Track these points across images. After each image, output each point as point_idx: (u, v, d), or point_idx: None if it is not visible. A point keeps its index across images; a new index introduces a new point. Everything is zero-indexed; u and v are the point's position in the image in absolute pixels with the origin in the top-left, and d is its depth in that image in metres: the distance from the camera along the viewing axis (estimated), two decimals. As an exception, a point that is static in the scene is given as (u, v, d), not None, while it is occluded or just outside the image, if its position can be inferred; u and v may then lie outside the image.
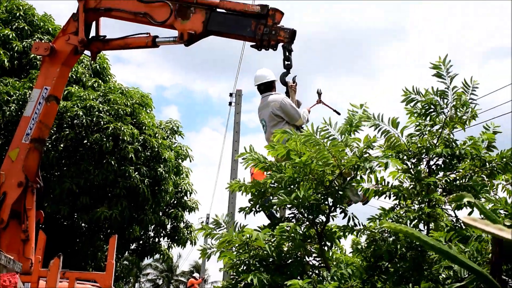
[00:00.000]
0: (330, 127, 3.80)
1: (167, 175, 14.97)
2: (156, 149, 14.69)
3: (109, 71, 16.53)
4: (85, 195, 13.76)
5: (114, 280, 6.81)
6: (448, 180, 3.67)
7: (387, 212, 3.70)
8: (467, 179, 3.66)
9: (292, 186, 3.75)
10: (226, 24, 5.99)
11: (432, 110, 3.73)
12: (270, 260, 3.75)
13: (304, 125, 6.03)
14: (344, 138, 3.73)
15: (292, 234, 3.67)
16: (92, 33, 6.70)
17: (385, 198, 3.75)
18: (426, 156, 3.72)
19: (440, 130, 3.73)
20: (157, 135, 15.13)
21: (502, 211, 3.27)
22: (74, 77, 14.62)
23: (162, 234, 16.58)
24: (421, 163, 3.74)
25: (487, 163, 3.64)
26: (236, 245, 3.81)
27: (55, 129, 13.58)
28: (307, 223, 3.95)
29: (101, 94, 14.68)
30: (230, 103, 19.71)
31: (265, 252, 3.70)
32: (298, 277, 3.56)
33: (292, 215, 4.13)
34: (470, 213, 3.25)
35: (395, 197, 3.69)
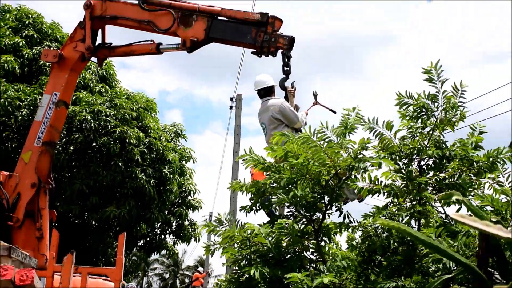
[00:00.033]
0: (327, 130, 3.83)
1: (171, 176, 15.00)
2: (161, 151, 14.72)
3: (115, 77, 16.55)
4: (94, 195, 13.80)
5: (124, 275, 6.85)
6: (438, 179, 3.70)
7: (381, 209, 3.73)
8: (455, 178, 3.69)
9: (290, 186, 3.78)
10: (227, 31, 6.00)
11: (423, 113, 3.76)
12: (270, 255, 3.78)
13: (303, 127, 6.05)
14: (340, 140, 3.76)
15: (290, 231, 3.70)
16: (99, 40, 6.71)
17: (378, 196, 3.78)
18: (417, 157, 3.75)
19: (430, 132, 3.76)
20: (161, 138, 15.15)
21: (488, 208, 3.30)
22: (82, 82, 14.64)
23: (167, 232, 16.60)
24: (413, 163, 3.76)
25: (474, 163, 3.67)
26: (238, 241, 3.83)
27: (65, 132, 13.60)
28: (305, 220, 3.98)
29: (108, 99, 14.70)
30: (230, 107, 19.74)
31: (265, 247, 3.73)
32: (297, 271, 3.59)
33: (291, 213, 4.16)
34: (458, 210, 3.27)
35: (388, 195, 3.72)
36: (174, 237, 16.87)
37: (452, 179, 3.68)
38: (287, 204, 3.94)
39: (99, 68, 14.91)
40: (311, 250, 3.99)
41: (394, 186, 3.70)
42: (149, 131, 14.77)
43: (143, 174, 14.14)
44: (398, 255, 3.43)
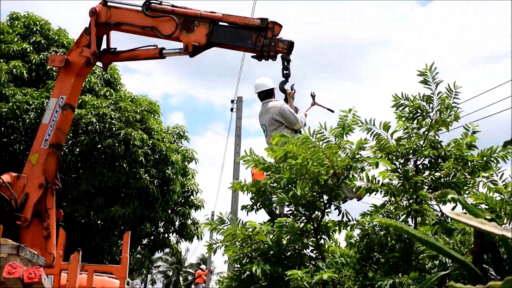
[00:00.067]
0: (325, 131, 3.82)
1: (174, 176, 14.99)
2: (164, 153, 14.71)
3: (120, 80, 16.54)
4: (100, 196, 13.79)
5: (129, 272, 6.83)
6: (434, 178, 3.69)
7: (379, 208, 3.72)
8: (450, 177, 3.68)
9: (290, 186, 3.77)
10: (228, 36, 5.99)
11: (419, 114, 3.75)
12: (271, 252, 3.76)
13: (302, 128, 6.05)
14: (338, 140, 3.75)
15: (290, 229, 3.68)
16: (104, 46, 6.71)
17: (375, 194, 3.77)
18: (413, 157, 3.74)
19: (426, 133, 3.75)
20: (164, 139, 15.15)
21: (483, 206, 3.28)
22: (88, 86, 14.63)
23: (171, 230, 16.58)
24: (409, 163, 3.75)
25: (469, 162, 3.65)
26: (240, 239, 3.82)
27: (71, 135, 13.59)
28: (304, 218, 3.97)
29: (112, 102, 14.69)
30: (231, 109, 19.71)
31: (266, 245, 3.72)
32: (297, 268, 3.58)
33: (291, 211, 4.14)
34: (453, 208, 3.26)
35: (385, 194, 3.71)
36: (177, 236, 16.84)
37: (447, 178, 3.67)
38: (287, 203, 3.93)
39: (104, 73, 14.93)
40: (311, 247, 3.97)
41: (391, 185, 3.68)
42: (153, 133, 14.76)
43: (147, 174, 14.13)
44: (396, 252, 3.42)
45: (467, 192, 3.66)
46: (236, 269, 4.15)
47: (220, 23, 6.04)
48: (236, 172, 17.51)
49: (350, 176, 3.79)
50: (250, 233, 3.74)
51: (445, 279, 2.93)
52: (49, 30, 15.39)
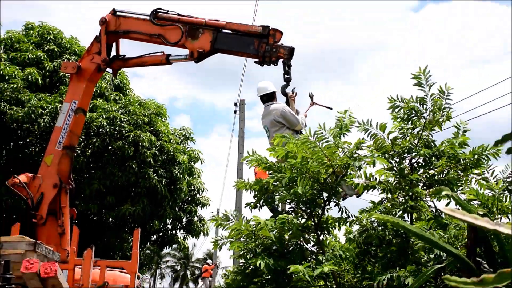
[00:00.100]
0: (324, 131, 3.82)
1: (181, 175, 15.00)
2: (172, 153, 14.73)
3: (128, 85, 16.57)
4: (111, 195, 13.81)
5: (139, 267, 6.84)
6: (428, 176, 3.68)
7: (376, 205, 3.71)
8: (444, 174, 3.67)
9: (291, 184, 3.76)
10: (232, 43, 5.99)
11: (413, 115, 3.75)
12: (274, 247, 3.76)
13: (303, 129, 6.04)
14: (336, 141, 3.75)
15: (292, 226, 3.68)
16: (113, 53, 6.72)
17: (372, 191, 3.77)
18: (408, 155, 3.73)
19: (420, 132, 3.74)
20: (172, 141, 15.16)
21: (475, 202, 3.27)
22: (98, 91, 14.67)
23: (178, 227, 16.59)
24: (404, 161, 3.74)
25: (461, 160, 3.65)
26: (244, 234, 3.81)
27: (83, 137, 13.62)
28: (305, 215, 3.96)
29: (122, 106, 14.72)
30: (235, 111, 19.69)
31: (269, 240, 3.71)
32: (299, 262, 3.57)
33: (292, 208, 4.14)
34: (447, 204, 3.25)
35: (382, 191, 3.70)
36: (184, 232, 16.85)
37: (441, 176, 3.66)
38: (288, 201, 3.92)
39: (113, 78, 14.96)
40: (312, 242, 3.97)
41: (387, 182, 3.68)
42: (160, 134, 14.78)
43: (155, 174, 14.15)
44: (393, 246, 3.40)
45: (460, 188, 3.65)
46: (241, 263, 4.14)
47: (224, 30, 6.04)
48: (240, 171, 17.50)
49: (349, 174, 3.78)
50: (254, 229, 3.74)
51: (440, 272, 2.92)
52: (62, 38, 15.44)
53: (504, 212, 3.16)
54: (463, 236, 3.12)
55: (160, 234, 16.53)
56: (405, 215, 3.60)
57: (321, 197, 3.84)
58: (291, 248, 3.81)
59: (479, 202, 3.23)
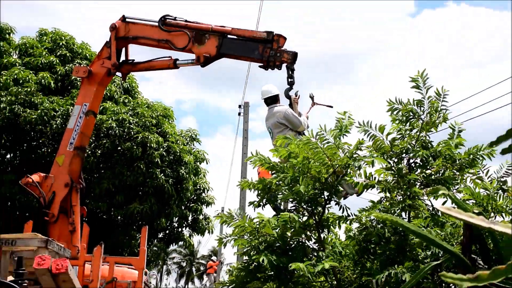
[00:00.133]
0: (325, 132, 3.82)
1: (187, 175, 15.01)
2: (178, 154, 14.74)
3: (137, 88, 16.59)
4: (120, 194, 13.84)
5: (146, 263, 6.84)
6: (425, 175, 3.67)
7: (376, 204, 3.71)
8: (440, 174, 3.66)
9: (293, 183, 3.76)
10: (237, 48, 6.00)
11: (411, 117, 3.74)
12: (277, 245, 3.75)
13: (305, 130, 6.03)
14: (337, 141, 3.75)
15: (293, 224, 3.67)
16: (122, 57, 6.74)
17: (371, 190, 3.76)
18: (406, 156, 3.72)
19: (417, 133, 3.74)
20: (178, 142, 15.17)
21: (471, 201, 3.26)
22: (108, 94, 14.69)
23: (184, 225, 16.59)
24: (402, 161, 3.74)
25: (457, 160, 3.64)
26: (248, 231, 3.81)
27: (93, 138, 13.66)
28: (307, 213, 3.96)
29: (130, 108, 14.75)
30: (239, 113, 19.69)
31: (272, 237, 3.71)
32: (301, 258, 3.56)
33: (294, 207, 4.13)
34: (444, 203, 3.24)
35: (381, 190, 3.69)
36: (190, 230, 16.84)
37: (438, 175, 3.65)
38: (291, 200, 3.92)
39: (123, 82, 14.99)
40: (313, 240, 3.96)
41: (386, 182, 3.67)
42: (167, 136, 14.80)
43: (162, 174, 14.16)
44: (391, 244, 3.39)
45: (456, 187, 3.64)
46: (244, 260, 4.14)
47: (229, 36, 6.05)
48: (244, 171, 17.49)
49: (349, 173, 3.77)
50: (257, 226, 3.74)
51: (437, 268, 2.91)
52: (73, 44, 15.49)
53: (498, 210, 3.15)
54: (459, 233, 3.11)
55: (167, 231, 16.53)
56: (403, 213, 3.59)
57: (322, 196, 3.83)
58: (293, 245, 3.81)
59: (474, 201, 3.21)
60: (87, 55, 15.39)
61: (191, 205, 16.21)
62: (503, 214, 3.17)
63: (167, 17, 6.30)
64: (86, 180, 8.96)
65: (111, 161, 14.13)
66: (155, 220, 14.70)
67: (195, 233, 16.90)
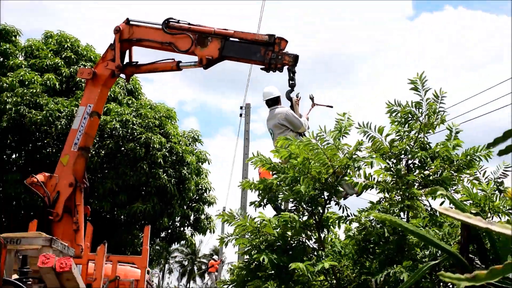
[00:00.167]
0: (325, 134, 3.81)
1: (190, 175, 15.01)
2: (181, 154, 14.74)
3: (140, 90, 16.61)
4: (123, 193, 13.84)
5: (148, 262, 6.84)
6: (423, 176, 3.67)
7: (375, 204, 3.70)
8: (438, 175, 3.65)
9: (293, 184, 3.76)
10: (239, 50, 6.01)
11: (410, 118, 3.74)
12: (278, 244, 3.75)
13: (306, 131, 6.03)
14: (336, 142, 3.75)
15: (294, 223, 3.67)
16: (126, 59, 6.75)
17: (370, 190, 3.76)
18: (405, 157, 3.72)
19: (416, 135, 3.73)
20: (181, 142, 15.17)
21: (468, 201, 3.25)
22: (112, 96, 14.71)
23: (186, 224, 16.59)
24: (401, 162, 3.74)
25: (454, 161, 3.63)
26: (249, 231, 3.81)
27: (97, 139, 13.66)
28: (307, 213, 3.95)
29: (134, 109, 14.76)
30: (240, 115, 19.65)
31: (273, 237, 3.71)
32: (301, 257, 3.56)
33: (294, 207, 4.13)
34: (442, 203, 3.24)
35: (380, 190, 3.69)
36: (192, 229, 16.84)
37: (435, 176, 3.65)
38: (291, 200, 3.91)
39: (126, 83, 15.01)
40: (313, 240, 3.96)
41: (385, 183, 3.67)
42: (170, 136, 14.80)
43: (165, 174, 14.17)
44: (390, 244, 3.39)
45: (453, 188, 3.64)
46: (245, 259, 4.14)
47: (231, 38, 6.05)
48: (245, 172, 17.47)
49: (349, 173, 3.77)
50: (258, 226, 3.73)
51: (435, 267, 2.91)
52: (78, 46, 15.52)
53: (495, 211, 3.14)
54: (457, 233, 3.10)
55: (169, 231, 16.53)
56: (402, 213, 3.58)
57: (322, 196, 3.83)
58: (293, 244, 3.80)
59: (472, 202, 3.21)
60: (92, 57, 15.41)
61: (193, 205, 16.21)
62: (500, 214, 3.16)
63: (170, 20, 6.31)
64: (90, 180, 8.96)
65: (114, 161, 14.14)
66: (158, 220, 14.70)
67: (197, 233, 16.89)
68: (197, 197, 16.35)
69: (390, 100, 3.78)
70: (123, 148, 14.02)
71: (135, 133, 13.94)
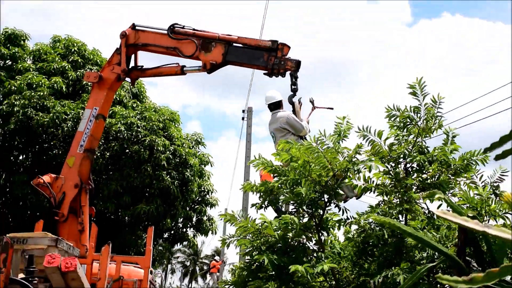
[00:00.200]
0: (325, 137, 3.82)
1: (192, 177, 15.02)
2: (184, 157, 14.75)
3: (145, 93, 16.64)
4: (127, 195, 13.85)
5: (152, 263, 6.83)
6: (421, 180, 3.67)
7: (374, 207, 3.70)
8: (436, 178, 3.65)
9: (294, 186, 3.76)
10: (242, 56, 6.02)
11: (408, 123, 3.74)
12: (278, 245, 3.75)
13: (307, 135, 6.03)
14: (336, 146, 3.75)
15: (294, 225, 3.67)
16: (132, 63, 6.77)
17: (370, 193, 3.76)
18: (403, 160, 3.72)
19: (414, 139, 3.73)
20: (184, 145, 15.19)
21: (465, 205, 3.25)
22: (117, 99, 14.75)
23: (189, 225, 16.59)
24: (399, 166, 3.73)
25: (451, 165, 3.63)
26: (250, 232, 3.81)
27: (102, 141, 13.69)
28: (307, 215, 3.95)
29: (138, 112, 14.79)
30: (242, 118, 19.68)
31: (274, 239, 3.70)
32: (301, 258, 3.55)
33: (295, 209, 4.12)
34: (439, 206, 3.24)
35: (379, 193, 3.69)
36: (194, 230, 16.84)
37: (433, 179, 3.65)
38: (292, 202, 3.91)
39: (131, 87, 15.05)
40: (314, 241, 3.95)
41: (384, 186, 3.67)
42: (174, 139, 14.82)
43: (168, 176, 14.18)
44: (389, 246, 3.38)
45: (450, 191, 3.63)
46: (247, 260, 4.13)
47: (235, 44, 6.07)
48: (247, 174, 17.47)
49: (349, 176, 3.77)
50: (260, 227, 3.73)
51: (432, 270, 2.90)
52: (85, 50, 15.58)
53: (492, 214, 3.13)
54: (454, 236, 3.10)
55: (172, 232, 16.53)
56: (400, 216, 3.58)
57: (322, 198, 3.82)
58: (294, 246, 3.80)
59: (468, 205, 3.20)
60: (98, 61, 15.46)
61: (195, 206, 16.21)
62: (496, 218, 3.15)
63: (175, 25, 6.33)
64: (95, 182, 8.97)
65: (119, 163, 14.16)
66: (161, 221, 14.71)
67: (199, 234, 16.89)
68: (199, 199, 16.35)
69: (390, 101, 3.81)
70: (127, 150, 14.04)
71: (140, 136, 13.96)
